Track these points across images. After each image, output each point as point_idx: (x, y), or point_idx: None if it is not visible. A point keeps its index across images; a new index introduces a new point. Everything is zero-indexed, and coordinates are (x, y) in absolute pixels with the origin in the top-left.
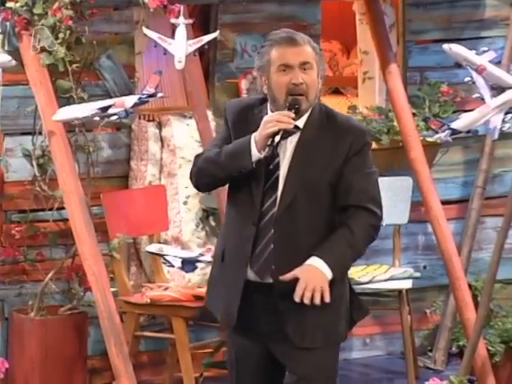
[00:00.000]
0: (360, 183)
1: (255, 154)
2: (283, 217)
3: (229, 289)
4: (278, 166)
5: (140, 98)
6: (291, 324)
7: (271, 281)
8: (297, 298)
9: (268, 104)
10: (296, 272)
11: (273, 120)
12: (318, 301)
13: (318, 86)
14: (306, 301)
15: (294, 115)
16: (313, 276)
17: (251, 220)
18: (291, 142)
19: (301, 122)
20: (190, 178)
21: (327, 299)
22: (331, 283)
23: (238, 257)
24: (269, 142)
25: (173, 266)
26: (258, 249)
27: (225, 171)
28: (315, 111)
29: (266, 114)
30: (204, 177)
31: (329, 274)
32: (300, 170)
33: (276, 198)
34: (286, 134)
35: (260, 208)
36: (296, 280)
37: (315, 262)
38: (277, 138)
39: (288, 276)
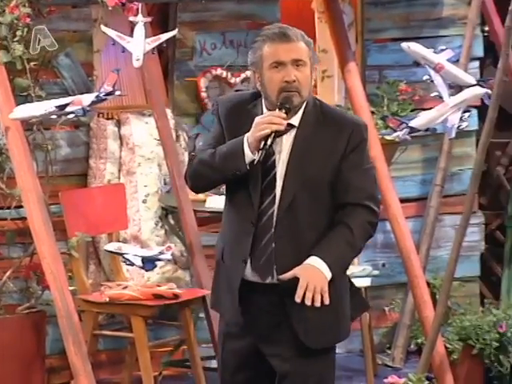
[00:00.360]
0: (358, 180)
1: (249, 156)
2: (284, 216)
3: (230, 288)
4: (274, 165)
5: (98, 96)
6: (299, 323)
7: (272, 281)
8: (298, 299)
9: (262, 99)
10: (295, 271)
11: (264, 122)
12: (318, 303)
13: (311, 81)
14: (308, 301)
15: (285, 115)
16: (313, 276)
17: (249, 219)
18: (287, 140)
19: (296, 120)
20: (186, 181)
21: (327, 301)
22: (332, 282)
23: (237, 256)
24: (261, 145)
25: (133, 265)
26: (258, 248)
27: (220, 173)
28: (310, 107)
29: (261, 109)
30: (200, 180)
31: (328, 274)
32: (298, 169)
33: (274, 197)
34: (280, 133)
35: (258, 207)
36: (297, 279)
37: (315, 262)
38: (269, 140)
39: (287, 275)
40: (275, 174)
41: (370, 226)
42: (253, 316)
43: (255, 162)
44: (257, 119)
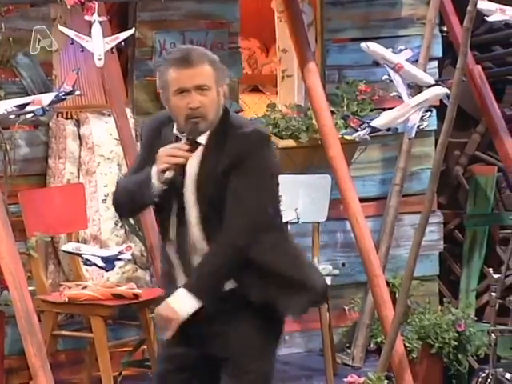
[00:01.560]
0: (232, 214)
1: (156, 187)
2: (198, 233)
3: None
4: (183, 185)
5: (57, 96)
6: (208, 342)
7: None
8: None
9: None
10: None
11: (166, 154)
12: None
13: (219, 102)
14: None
15: (188, 147)
16: (162, 313)
17: (168, 239)
18: (193, 163)
19: (203, 138)
20: (113, 206)
21: (167, 335)
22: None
23: (170, 277)
24: (162, 179)
25: (92, 265)
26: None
27: (136, 201)
28: (218, 125)
29: (172, 130)
30: (121, 206)
31: (185, 306)
32: (203, 187)
33: (186, 219)
34: (190, 152)
35: (177, 226)
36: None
37: (173, 297)
38: (168, 174)
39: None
40: (184, 194)
41: (229, 249)
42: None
43: (153, 195)
44: (160, 151)
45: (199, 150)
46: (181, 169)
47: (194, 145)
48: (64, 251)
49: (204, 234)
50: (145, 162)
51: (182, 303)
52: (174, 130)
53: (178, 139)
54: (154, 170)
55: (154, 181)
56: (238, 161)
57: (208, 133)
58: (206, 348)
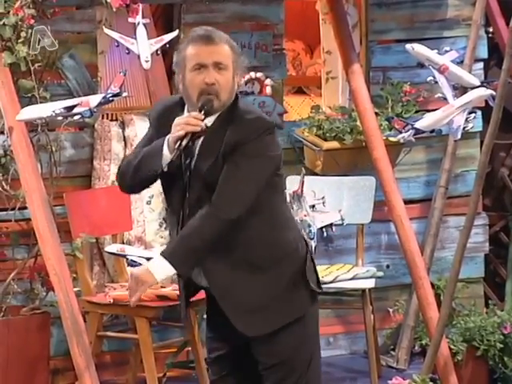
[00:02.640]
0: (221, 190)
1: (166, 157)
2: (190, 216)
3: (179, 284)
4: (190, 166)
5: (104, 98)
6: (233, 318)
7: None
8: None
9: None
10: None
11: (181, 123)
12: (131, 303)
13: (234, 86)
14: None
15: (202, 117)
16: (136, 276)
17: (176, 222)
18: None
19: (210, 121)
20: (117, 182)
21: (134, 298)
22: (264, 265)
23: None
24: (176, 145)
25: (136, 266)
26: None
27: (140, 173)
28: (226, 110)
29: (184, 112)
30: (125, 179)
31: (161, 272)
32: (201, 170)
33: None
34: (197, 134)
35: (179, 207)
36: (225, 274)
37: (151, 262)
38: (184, 141)
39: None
40: (190, 175)
41: (215, 218)
42: (219, 320)
43: (170, 161)
44: (176, 120)
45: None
46: (197, 138)
47: (207, 116)
48: (108, 252)
49: (196, 212)
50: (150, 142)
51: (159, 268)
52: (185, 113)
53: (184, 137)
54: (167, 139)
55: (165, 151)
56: (238, 145)
57: (215, 116)
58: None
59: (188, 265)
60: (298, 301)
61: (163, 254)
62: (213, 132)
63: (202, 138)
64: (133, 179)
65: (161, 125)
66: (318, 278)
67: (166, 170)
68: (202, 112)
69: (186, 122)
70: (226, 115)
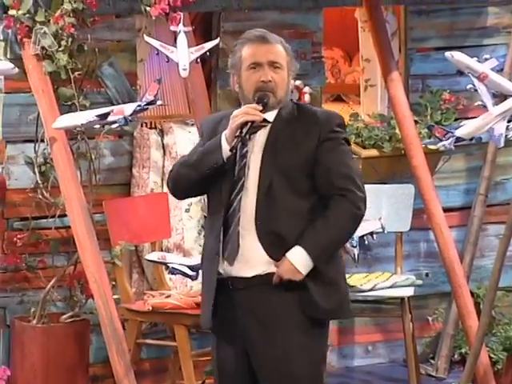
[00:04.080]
0: (336, 165)
1: (226, 149)
2: (262, 203)
3: (205, 289)
4: (245, 156)
5: (139, 106)
6: (300, 297)
7: (254, 274)
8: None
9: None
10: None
11: (240, 113)
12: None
13: (289, 85)
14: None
15: (261, 108)
16: (286, 272)
17: (219, 212)
18: (261, 135)
19: (271, 116)
20: (168, 187)
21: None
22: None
23: (211, 252)
24: (237, 133)
25: (180, 274)
26: (226, 237)
27: (197, 170)
28: (286, 107)
29: None
30: (179, 181)
31: (305, 267)
32: (273, 157)
33: (243, 186)
34: (255, 127)
35: (228, 199)
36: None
37: (294, 256)
38: (245, 129)
39: (276, 279)
40: (244, 165)
41: (356, 209)
42: (229, 313)
43: (231, 149)
44: (234, 112)
45: (268, 126)
46: (255, 130)
47: (265, 109)
48: (148, 260)
49: (266, 203)
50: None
51: (304, 264)
52: None
53: (243, 126)
54: (225, 134)
55: (224, 144)
56: (327, 135)
57: (275, 112)
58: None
59: (327, 258)
60: (347, 303)
61: (306, 248)
62: (282, 124)
63: (266, 131)
64: (186, 179)
65: (213, 136)
66: None
67: (225, 162)
68: (260, 104)
69: (245, 111)
70: (289, 109)
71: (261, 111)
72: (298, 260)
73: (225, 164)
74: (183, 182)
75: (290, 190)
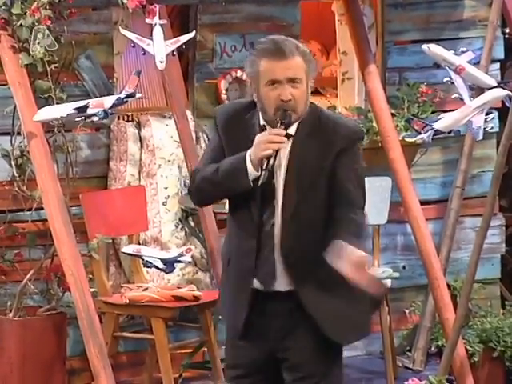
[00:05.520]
0: (349, 187)
1: (252, 173)
2: (287, 225)
3: (236, 299)
4: (272, 176)
5: (119, 99)
6: (324, 320)
7: (279, 289)
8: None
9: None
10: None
11: (266, 141)
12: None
13: (308, 94)
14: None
15: (284, 132)
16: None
17: (251, 234)
18: (284, 150)
19: (292, 130)
20: (190, 196)
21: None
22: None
23: (243, 270)
24: (265, 165)
25: (153, 267)
26: (260, 260)
27: (223, 191)
28: (307, 116)
29: (258, 119)
30: (204, 197)
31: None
32: (296, 178)
33: (274, 207)
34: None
35: (259, 220)
36: (317, 283)
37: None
38: (272, 160)
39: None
40: (274, 185)
41: (361, 229)
42: (261, 325)
43: (259, 183)
44: (258, 138)
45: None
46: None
47: (287, 129)
48: (124, 253)
49: (290, 217)
50: (220, 149)
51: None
52: (261, 121)
53: (263, 129)
54: (249, 156)
55: (250, 168)
56: (345, 147)
57: (296, 124)
58: (276, 351)
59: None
60: (365, 317)
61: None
62: (303, 138)
63: (289, 146)
64: (211, 195)
65: (229, 133)
66: None
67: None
68: (283, 127)
69: (270, 140)
70: (309, 122)
71: (285, 135)
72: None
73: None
74: (208, 198)
75: (312, 209)
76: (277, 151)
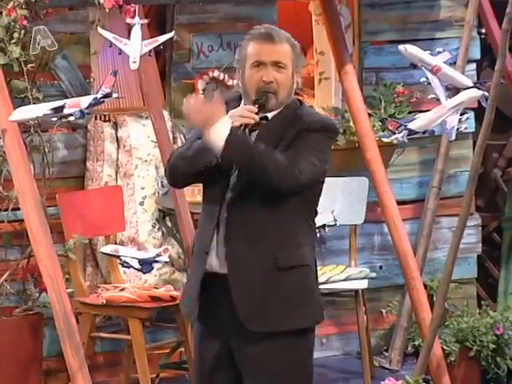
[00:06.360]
0: (297, 153)
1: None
2: (235, 203)
3: (191, 281)
4: None
5: (95, 99)
6: (247, 309)
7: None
8: None
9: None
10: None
11: (236, 115)
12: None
13: (293, 84)
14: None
15: (256, 110)
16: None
17: (213, 212)
18: (254, 135)
19: (271, 115)
20: (165, 175)
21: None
22: (291, 268)
23: (200, 248)
24: None
25: (130, 267)
26: (219, 236)
27: (192, 166)
28: (288, 107)
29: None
30: (175, 173)
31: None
32: None
33: (228, 184)
34: (254, 126)
35: (222, 197)
36: (248, 265)
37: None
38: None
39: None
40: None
41: (292, 176)
42: (212, 308)
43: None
44: (230, 113)
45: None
46: (251, 131)
47: (261, 111)
48: (103, 253)
49: (240, 203)
50: (200, 137)
51: (221, 129)
52: (242, 106)
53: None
54: None
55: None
56: (307, 128)
57: (274, 112)
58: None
59: (237, 153)
60: (312, 308)
61: (233, 133)
62: (274, 124)
63: (256, 132)
64: (183, 172)
65: None
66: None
67: (219, 161)
68: (257, 105)
69: (240, 114)
70: (288, 113)
71: (257, 112)
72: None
73: (219, 163)
74: (179, 174)
75: (265, 196)
76: (245, 126)
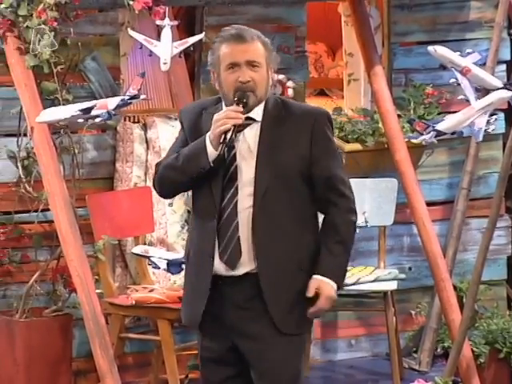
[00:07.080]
0: (334, 168)
1: (212, 153)
2: (259, 208)
3: (194, 288)
4: (234, 158)
5: (122, 100)
6: (276, 308)
7: (243, 272)
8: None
9: (222, 102)
10: (316, 287)
11: (222, 118)
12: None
13: (269, 81)
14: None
15: (242, 109)
16: (330, 295)
17: (212, 215)
18: (250, 134)
19: (257, 114)
20: (154, 187)
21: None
22: (303, 273)
23: (203, 254)
24: (221, 140)
25: (159, 268)
26: (224, 241)
27: (184, 174)
28: (271, 103)
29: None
30: (166, 184)
31: (335, 286)
32: (269, 159)
33: (237, 187)
34: (240, 127)
35: (220, 202)
36: (278, 265)
37: (327, 291)
38: (229, 134)
39: (311, 292)
40: (236, 167)
41: (354, 215)
42: (218, 311)
43: (218, 155)
44: (215, 116)
45: (256, 124)
46: (239, 131)
47: (245, 109)
48: (133, 253)
49: (263, 211)
50: (186, 143)
51: (335, 292)
52: (223, 109)
53: (227, 131)
54: (209, 137)
55: (209, 148)
56: (317, 130)
57: (261, 112)
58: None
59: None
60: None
61: (335, 281)
62: (273, 123)
63: (254, 130)
64: (173, 182)
65: (192, 127)
66: None
67: (213, 165)
68: (241, 105)
69: (227, 115)
70: (275, 106)
71: (242, 112)
72: (333, 293)
73: (212, 167)
74: (170, 185)
75: (285, 194)
76: (234, 126)
